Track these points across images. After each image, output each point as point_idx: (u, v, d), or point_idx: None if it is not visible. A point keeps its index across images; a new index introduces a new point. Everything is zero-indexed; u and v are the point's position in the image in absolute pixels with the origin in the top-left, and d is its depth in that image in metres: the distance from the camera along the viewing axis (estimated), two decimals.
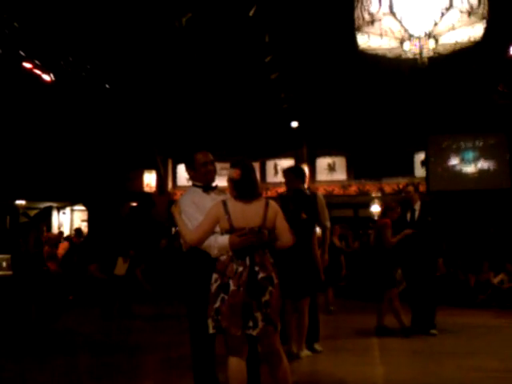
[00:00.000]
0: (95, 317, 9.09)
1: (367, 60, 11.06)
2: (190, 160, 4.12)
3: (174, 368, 5.62)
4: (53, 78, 10.95)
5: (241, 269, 3.55)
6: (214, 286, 3.59)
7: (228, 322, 3.52)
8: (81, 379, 5.48)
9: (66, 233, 16.25)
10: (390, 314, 7.33)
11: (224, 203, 3.69)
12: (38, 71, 10.71)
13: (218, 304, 3.54)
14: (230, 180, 3.78)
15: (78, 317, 9.30)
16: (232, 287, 3.52)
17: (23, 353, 6.38)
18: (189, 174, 4.18)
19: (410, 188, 7.72)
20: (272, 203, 3.79)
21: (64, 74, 11.26)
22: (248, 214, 3.66)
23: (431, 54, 7.82)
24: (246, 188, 3.72)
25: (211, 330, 3.59)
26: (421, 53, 7.65)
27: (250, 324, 3.52)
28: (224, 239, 3.61)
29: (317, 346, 6.22)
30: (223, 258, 3.62)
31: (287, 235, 3.80)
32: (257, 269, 3.56)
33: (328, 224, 6.23)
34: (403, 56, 8.00)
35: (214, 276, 3.61)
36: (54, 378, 5.36)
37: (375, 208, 15.80)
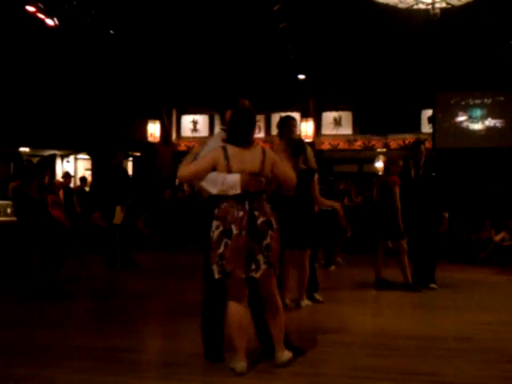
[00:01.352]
0: (99, 264, 9.20)
1: (378, 12, 10.84)
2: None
3: (177, 312, 5.72)
4: (57, 23, 10.75)
5: (241, 213, 3.59)
6: (215, 233, 3.62)
7: (232, 265, 3.58)
8: (83, 321, 5.58)
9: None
10: (395, 267, 7.38)
11: (224, 148, 3.70)
12: (41, 15, 10.51)
13: (221, 249, 3.59)
14: (228, 122, 3.82)
15: (81, 264, 9.41)
16: (234, 231, 3.57)
17: (26, 298, 6.47)
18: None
19: (423, 148, 7.59)
20: (269, 150, 3.83)
21: (68, 19, 11.04)
22: (246, 160, 3.69)
23: (444, 4, 7.62)
24: (244, 132, 3.72)
25: (217, 276, 3.64)
26: (433, 3, 7.44)
27: (253, 267, 3.60)
28: (235, 177, 3.61)
29: (317, 296, 6.31)
30: (223, 204, 3.64)
31: (290, 178, 3.87)
32: (256, 213, 3.62)
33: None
34: (415, 7, 7.80)
35: (215, 223, 3.64)
36: (56, 320, 5.45)
37: (380, 164, 15.73)
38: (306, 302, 6.07)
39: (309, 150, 6.03)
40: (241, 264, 3.57)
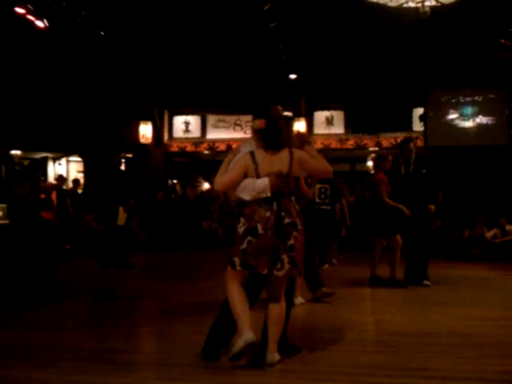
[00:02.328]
0: (92, 266, 9.18)
1: (368, 10, 10.87)
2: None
3: (170, 313, 5.71)
4: (47, 25, 10.70)
5: (268, 214, 3.70)
6: (241, 229, 3.74)
7: (255, 260, 3.68)
8: (77, 322, 5.57)
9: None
10: (386, 265, 7.41)
11: (252, 154, 3.83)
12: (31, 17, 10.45)
13: (244, 246, 3.70)
14: (256, 130, 3.91)
15: (74, 266, 9.39)
16: (260, 231, 3.68)
17: (20, 300, 6.45)
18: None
19: (412, 145, 7.63)
20: (296, 150, 3.89)
21: (58, 21, 10.99)
22: (274, 163, 3.79)
23: (433, 2, 7.65)
24: (271, 137, 3.83)
25: (238, 268, 3.73)
26: (423, 1, 7.47)
27: (278, 266, 3.69)
28: (264, 180, 3.73)
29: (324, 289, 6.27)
30: (251, 203, 3.75)
31: (323, 170, 3.95)
32: (283, 214, 3.72)
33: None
34: (405, 5, 7.83)
35: (242, 220, 3.76)
36: (52, 322, 5.43)
37: (371, 162, 15.78)
38: (299, 300, 6.09)
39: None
40: (264, 262, 3.67)
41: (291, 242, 3.70)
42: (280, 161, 3.80)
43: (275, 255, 3.68)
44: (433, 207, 7.45)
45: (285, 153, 3.83)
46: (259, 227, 3.68)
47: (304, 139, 4.17)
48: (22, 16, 10.37)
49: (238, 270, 3.75)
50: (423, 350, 4.26)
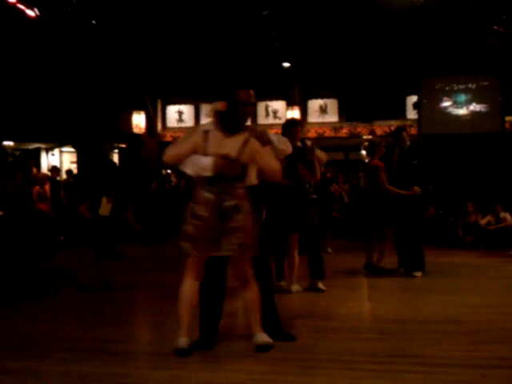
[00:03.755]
0: (86, 257, 9.14)
1: None
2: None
3: (164, 303, 5.67)
4: (37, 14, 10.60)
5: (211, 196, 3.70)
6: (188, 213, 3.76)
7: (197, 243, 3.71)
8: (70, 313, 5.54)
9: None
10: (389, 254, 7.40)
11: (205, 132, 3.81)
12: (21, 6, 10.35)
13: (189, 228, 3.72)
14: (215, 112, 3.88)
15: (69, 257, 9.35)
16: (203, 213, 3.69)
17: (14, 292, 6.42)
18: None
19: (405, 134, 7.57)
20: (253, 141, 3.85)
21: (49, 10, 10.88)
22: (225, 145, 3.77)
23: None
24: (229, 121, 3.81)
25: (190, 252, 3.78)
26: None
27: (217, 247, 3.72)
28: (209, 159, 3.72)
29: (320, 285, 6.26)
30: (197, 187, 3.77)
31: (272, 169, 3.90)
32: (225, 197, 3.71)
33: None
34: None
35: (190, 204, 3.77)
36: (46, 313, 5.41)
37: (364, 151, 15.78)
38: (296, 288, 6.09)
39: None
40: (206, 242, 3.70)
41: (233, 224, 3.69)
42: (232, 144, 3.77)
43: (217, 237, 3.69)
44: (417, 188, 7.24)
45: (240, 138, 3.81)
46: (204, 210, 3.68)
47: (265, 139, 4.03)
48: (13, 5, 10.27)
49: (193, 257, 3.78)
50: (419, 337, 4.26)
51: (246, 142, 3.79)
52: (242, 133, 3.84)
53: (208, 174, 3.71)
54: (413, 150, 7.51)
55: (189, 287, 3.85)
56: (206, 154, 3.74)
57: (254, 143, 3.84)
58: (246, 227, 3.74)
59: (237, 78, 13.36)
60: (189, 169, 3.80)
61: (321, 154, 6.32)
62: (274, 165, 3.92)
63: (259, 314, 3.89)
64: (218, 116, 3.86)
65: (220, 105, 3.85)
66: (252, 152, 3.81)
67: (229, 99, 3.88)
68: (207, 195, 3.71)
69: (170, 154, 3.87)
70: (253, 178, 3.95)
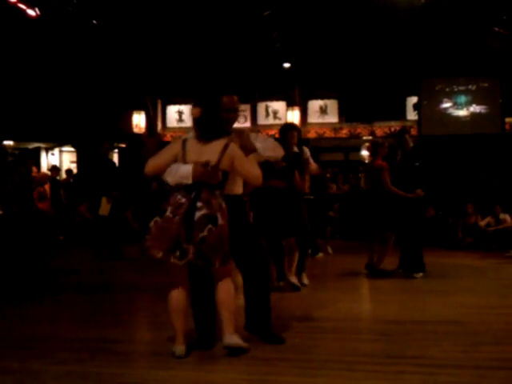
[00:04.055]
0: (86, 257, 9.15)
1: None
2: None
3: (164, 303, 5.66)
4: (38, 13, 10.60)
5: (183, 200, 3.63)
6: (158, 211, 3.71)
7: (152, 242, 3.64)
8: (70, 313, 5.54)
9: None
10: (390, 256, 7.40)
11: (184, 141, 3.80)
12: (22, 6, 10.35)
13: (151, 225, 3.66)
14: (193, 119, 3.84)
15: (68, 257, 9.36)
16: (168, 214, 3.62)
17: (14, 292, 6.42)
18: None
19: (407, 136, 7.57)
20: (233, 146, 3.77)
21: (50, 9, 10.88)
22: (204, 153, 3.71)
23: None
24: (204, 127, 3.76)
25: (143, 249, 3.72)
26: None
27: (177, 254, 3.60)
28: (188, 167, 3.67)
29: (305, 279, 6.36)
30: (175, 192, 3.70)
31: (252, 175, 3.81)
32: (199, 205, 3.61)
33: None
34: None
35: (164, 202, 3.71)
36: (47, 313, 5.41)
37: (366, 152, 15.78)
38: (293, 280, 6.16)
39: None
40: (162, 244, 3.60)
41: (203, 234, 3.55)
42: (210, 150, 3.71)
43: (177, 242, 3.58)
44: (420, 191, 7.26)
45: (219, 144, 3.73)
46: (168, 210, 3.62)
47: (249, 148, 3.97)
48: (14, 4, 10.27)
49: (174, 267, 3.67)
50: (418, 338, 4.26)
51: (225, 148, 3.72)
52: (220, 139, 3.76)
53: (188, 181, 3.64)
54: (415, 151, 7.52)
55: (172, 295, 3.81)
56: (186, 163, 3.69)
57: (234, 149, 3.75)
58: (216, 239, 3.59)
59: (237, 78, 13.34)
60: (169, 178, 3.73)
61: (313, 167, 6.40)
62: (253, 171, 3.81)
63: (232, 314, 3.78)
64: (194, 123, 3.83)
65: (195, 111, 3.80)
66: (231, 158, 3.72)
67: (203, 105, 3.79)
68: (180, 198, 3.63)
69: (150, 164, 3.82)
70: (236, 187, 3.92)
